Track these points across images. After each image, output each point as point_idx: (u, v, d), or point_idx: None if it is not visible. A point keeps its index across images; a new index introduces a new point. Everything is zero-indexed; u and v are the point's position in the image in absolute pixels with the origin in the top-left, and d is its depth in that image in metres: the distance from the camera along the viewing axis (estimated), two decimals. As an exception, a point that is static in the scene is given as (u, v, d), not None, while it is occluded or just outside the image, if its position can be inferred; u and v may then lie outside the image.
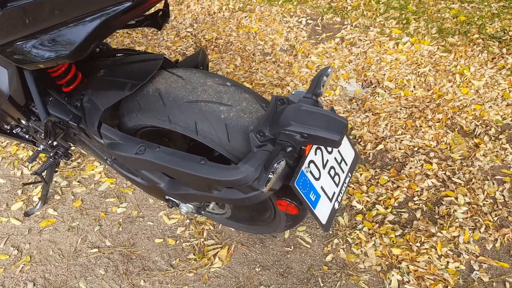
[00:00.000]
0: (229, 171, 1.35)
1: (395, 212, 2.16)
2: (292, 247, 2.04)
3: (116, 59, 1.79)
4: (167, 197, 1.77)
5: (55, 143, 1.87)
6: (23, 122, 1.85)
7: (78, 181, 2.40)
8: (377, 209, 2.17)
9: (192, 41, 3.57)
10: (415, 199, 2.23)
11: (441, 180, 2.33)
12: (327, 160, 1.47)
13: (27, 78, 1.59)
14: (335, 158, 1.51)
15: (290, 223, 1.72)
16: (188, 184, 1.53)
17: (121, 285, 1.92)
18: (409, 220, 2.13)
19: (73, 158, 2.54)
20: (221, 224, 2.14)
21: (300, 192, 1.34)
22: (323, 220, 1.46)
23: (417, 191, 2.27)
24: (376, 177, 2.34)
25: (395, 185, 2.30)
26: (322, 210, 1.46)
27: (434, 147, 2.53)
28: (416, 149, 2.52)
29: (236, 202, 1.46)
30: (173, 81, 1.48)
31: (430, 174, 2.36)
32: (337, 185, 1.52)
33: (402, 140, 2.58)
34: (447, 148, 2.53)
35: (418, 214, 2.15)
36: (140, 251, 2.06)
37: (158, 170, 1.50)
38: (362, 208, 2.18)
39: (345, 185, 1.57)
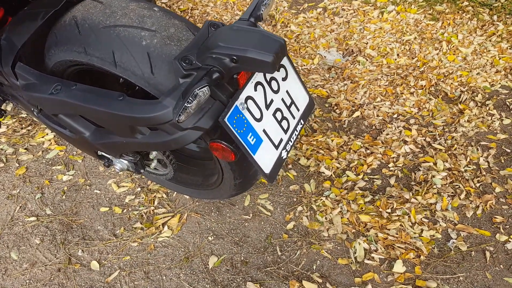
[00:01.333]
0: (149, 106, 1.14)
1: (367, 179, 1.96)
2: (251, 215, 1.84)
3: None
4: (99, 152, 1.56)
5: None
6: None
7: (25, 148, 2.20)
8: (348, 176, 1.97)
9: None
10: (390, 165, 2.03)
11: (420, 146, 2.12)
12: (272, 100, 1.26)
13: None
14: (282, 100, 1.30)
15: (240, 180, 1.51)
16: (110, 129, 1.33)
17: (56, 255, 1.73)
18: (381, 187, 1.93)
19: (23, 126, 2.34)
20: (175, 193, 1.94)
21: (233, 131, 1.13)
22: (266, 169, 1.26)
23: (393, 158, 2.06)
24: (349, 144, 2.14)
25: (368, 151, 2.09)
26: (265, 158, 1.25)
27: (415, 113, 2.33)
28: (395, 116, 2.32)
29: (162, 147, 1.25)
30: (92, 6, 1.27)
31: (409, 140, 2.15)
32: (285, 131, 1.32)
33: (380, 107, 2.38)
34: (429, 114, 2.32)
35: (392, 181, 1.94)
36: (83, 220, 1.85)
37: (74, 112, 1.30)
38: (331, 175, 1.98)
39: (296, 132, 1.36)
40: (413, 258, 1.64)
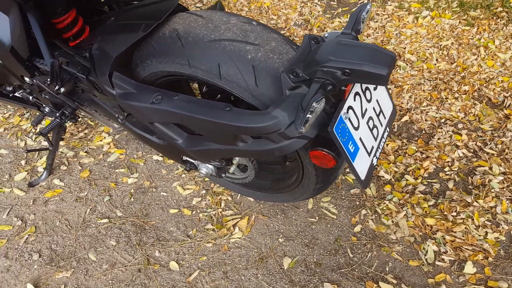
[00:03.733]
0: (259, 117, 1.20)
1: (425, 183, 2.02)
2: (317, 217, 1.90)
3: (126, 7, 1.65)
4: (184, 158, 1.62)
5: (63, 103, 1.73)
6: (27, 79, 1.70)
7: (85, 152, 2.26)
8: (407, 180, 2.03)
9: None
10: (446, 169, 2.09)
11: (472, 150, 2.18)
12: (366, 110, 1.32)
13: (31, 22, 1.44)
14: (373, 109, 1.36)
15: (320, 185, 1.57)
16: (210, 137, 1.38)
17: (134, 256, 1.78)
18: (441, 190, 1.99)
19: (80, 129, 2.40)
20: (239, 195, 2.00)
21: (339, 140, 1.19)
22: (362, 175, 1.32)
23: (448, 162, 2.13)
24: (403, 148, 2.20)
25: (424, 156, 2.15)
26: (361, 165, 1.31)
27: (462, 118, 2.39)
28: (443, 120, 2.38)
29: (265, 155, 1.31)
30: (192, 20, 1.33)
31: (460, 145, 2.22)
32: (375, 139, 1.38)
33: (428, 112, 2.44)
34: (475, 119, 2.39)
35: (450, 185, 2.01)
36: (154, 222, 1.91)
37: (177, 121, 1.35)
38: (390, 179, 2.04)
39: (384, 140, 1.43)
40: (481, 259, 1.70)
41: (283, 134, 1.19)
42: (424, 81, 2.66)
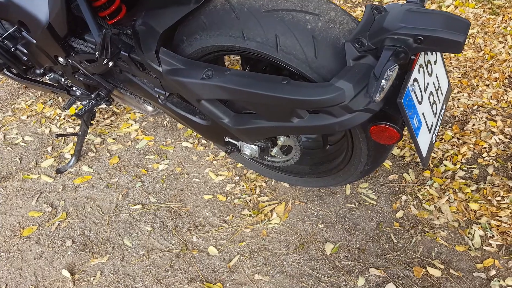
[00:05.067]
0: (321, 89, 1.15)
1: (464, 168, 1.97)
2: (356, 204, 1.85)
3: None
4: (227, 139, 1.57)
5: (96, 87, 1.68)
6: (61, 60, 1.65)
7: (113, 139, 2.21)
8: (445, 165, 1.98)
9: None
10: (483, 155, 2.04)
11: (508, 136, 2.14)
12: (427, 84, 1.28)
13: None
14: (433, 84, 1.32)
15: (369, 167, 1.52)
16: (263, 113, 1.33)
17: (171, 241, 1.73)
18: (481, 176, 1.94)
19: (106, 116, 2.34)
20: (274, 181, 1.95)
21: (406, 113, 1.14)
22: (424, 152, 1.27)
23: (485, 148, 2.08)
24: (439, 134, 2.15)
25: (461, 141, 2.10)
26: (423, 141, 1.26)
27: (494, 105, 2.34)
28: (475, 107, 2.33)
29: (323, 130, 1.26)
30: (246, -10, 1.27)
31: (496, 131, 2.17)
32: (434, 115, 1.33)
33: (459, 99, 2.39)
34: (508, 106, 2.34)
35: (490, 170, 1.96)
36: (189, 207, 1.86)
37: (229, 97, 1.30)
38: (429, 164, 1.99)
39: (441, 117, 1.38)
40: (529, 244, 1.66)
41: (347, 107, 1.14)
42: (453, 69, 2.61)
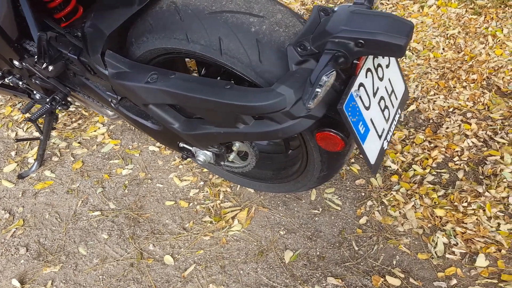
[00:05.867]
0: (262, 94, 1.10)
1: (434, 173, 1.92)
2: (320, 209, 1.80)
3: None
4: (181, 144, 1.53)
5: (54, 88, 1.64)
6: (16, 63, 1.61)
7: (78, 143, 2.16)
8: (414, 170, 1.93)
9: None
10: (455, 159, 1.99)
11: (482, 140, 2.09)
12: (377, 88, 1.23)
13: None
14: (385, 88, 1.27)
15: (325, 173, 1.47)
16: (209, 119, 1.28)
17: (127, 250, 1.69)
18: (450, 180, 1.89)
19: (74, 119, 2.30)
20: (239, 186, 1.90)
21: (349, 120, 1.10)
22: (372, 159, 1.22)
23: (457, 151, 2.03)
24: (410, 137, 2.10)
25: (432, 145, 2.05)
26: (371, 148, 1.22)
27: (471, 107, 2.29)
28: (451, 109, 2.28)
29: (267, 136, 1.21)
30: (193, -8, 1.23)
31: (470, 134, 2.12)
32: (386, 120, 1.28)
33: (435, 101, 2.34)
34: (485, 108, 2.29)
35: (460, 175, 1.91)
36: (149, 214, 1.82)
37: (173, 101, 1.25)
38: (397, 169, 1.94)
39: (395, 122, 1.33)
40: (494, 252, 1.61)
41: (288, 114, 1.10)
42: (431, 70, 2.56)
